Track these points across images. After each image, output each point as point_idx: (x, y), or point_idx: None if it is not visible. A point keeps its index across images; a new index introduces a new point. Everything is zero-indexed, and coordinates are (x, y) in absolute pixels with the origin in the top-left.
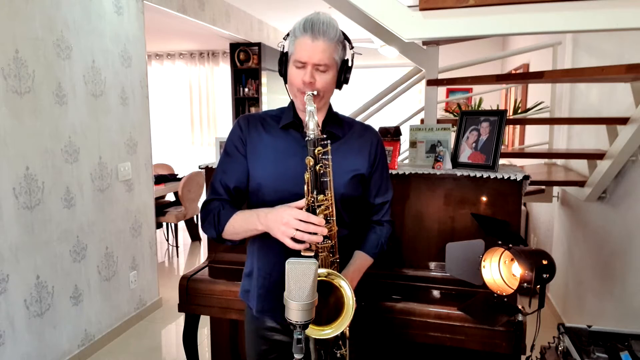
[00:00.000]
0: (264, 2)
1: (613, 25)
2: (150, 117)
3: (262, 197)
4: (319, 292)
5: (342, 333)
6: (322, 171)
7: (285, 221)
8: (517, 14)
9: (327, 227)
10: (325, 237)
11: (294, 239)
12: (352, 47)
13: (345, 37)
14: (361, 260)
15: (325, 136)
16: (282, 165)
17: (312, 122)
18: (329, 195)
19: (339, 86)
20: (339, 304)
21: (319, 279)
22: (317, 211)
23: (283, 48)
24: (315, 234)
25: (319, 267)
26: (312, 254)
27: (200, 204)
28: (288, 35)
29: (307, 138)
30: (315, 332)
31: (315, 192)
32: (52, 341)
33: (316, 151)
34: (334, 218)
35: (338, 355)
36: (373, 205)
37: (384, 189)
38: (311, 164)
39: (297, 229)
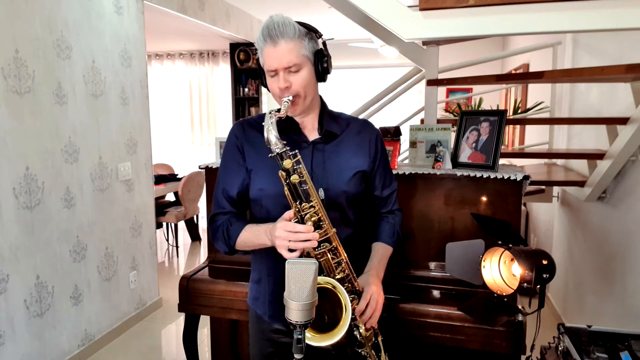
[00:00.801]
0: (264, 2)
1: (613, 25)
2: (150, 117)
3: (264, 202)
4: (323, 299)
5: (360, 333)
6: (298, 181)
7: (277, 235)
8: (517, 14)
9: (320, 232)
10: (321, 241)
11: (290, 250)
12: (320, 36)
13: (310, 29)
14: (382, 251)
15: (289, 147)
16: None
17: (273, 136)
18: (315, 201)
19: (320, 78)
20: (339, 304)
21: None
22: (305, 219)
23: (258, 62)
24: (308, 240)
25: (322, 273)
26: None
27: (200, 204)
28: (256, 50)
29: (270, 154)
30: (324, 340)
31: (298, 202)
32: (52, 341)
33: (285, 164)
34: (327, 221)
35: (362, 353)
36: (382, 198)
37: (389, 180)
38: (284, 177)
39: (289, 240)
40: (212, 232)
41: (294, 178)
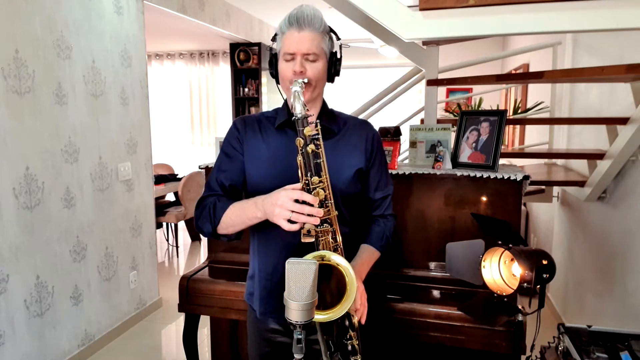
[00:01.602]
0: (264, 2)
1: (613, 25)
2: (150, 117)
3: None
4: (320, 276)
5: (351, 323)
6: (313, 151)
7: (280, 203)
8: (517, 14)
9: (324, 210)
10: (324, 221)
11: (290, 222)
12: (338, 39)
13: (331, 30)
14: (367, 254)
15: (312, 114)
16: (279, 164)
17: (299, 103)
18: (324, 177)
19: (330, 79)
20: (341, 283)
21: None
22: (313, 194)
23: (272, 50)
24: (312, 216)
25: (319, 250)
26: (312, 239)
27: None
28: (276, 35)
29: (294, 117)
30: (323, 317)
31: (309, 175)
32: (52, 341)
33: (305, 131)
34: (332, 201)
35: (349, 347)
36: (374, 200)
37: (384, 183)
38: (301, 144)
39: (292, 211)
40: (198, 212)
41: (310, 147)
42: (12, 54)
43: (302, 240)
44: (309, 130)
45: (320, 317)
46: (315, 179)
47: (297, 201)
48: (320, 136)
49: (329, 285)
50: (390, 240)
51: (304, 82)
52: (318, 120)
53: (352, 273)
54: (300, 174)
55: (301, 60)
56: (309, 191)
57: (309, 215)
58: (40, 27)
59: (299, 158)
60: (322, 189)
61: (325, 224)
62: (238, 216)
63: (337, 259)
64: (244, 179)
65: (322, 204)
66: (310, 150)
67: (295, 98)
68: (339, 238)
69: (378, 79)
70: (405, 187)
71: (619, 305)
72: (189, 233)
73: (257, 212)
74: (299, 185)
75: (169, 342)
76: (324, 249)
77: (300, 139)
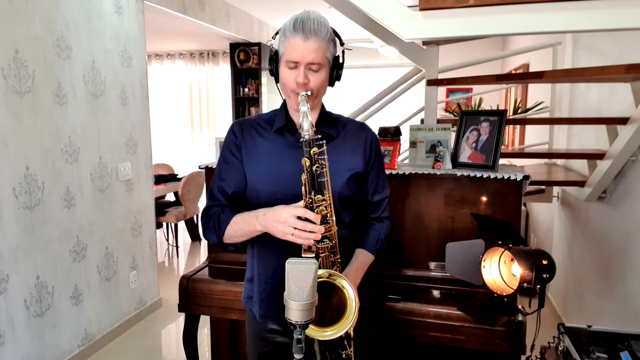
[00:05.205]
0: (264, 2)
1: (613, 25)
2: (150, 117)
3: (259, 200)
4: (321, 293)
5: (347, 333)
6: (318, 171)
7: (283, 220)
8: (517, 14)
9: (325, 227)
10: (324, 237)
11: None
12: (342, 44)
13: (336, 34)
14: (362, 258)
15: (320, 136)
16: (278, 168)
17: (307, 123)
18: (327, 195)
19: (331, 83)
20: (341, 304)
21: (320, 280)
22: (315, 211)
23: (272, 48)
24: (313, 232)
25: (320, 268)
26: (313, 255)
27: (200, 204)
28: (277, 33)
29: (302, 139)
30: (317, 334)
31: (313, 193)
32: (52, 341)
33: (312, 152)
34: (333, 218)
35: (343, 355)
36: (372, 202)
37: (381, 186)
38: (307, 164)
39: (295, 228)
40: (204, 223)
41: (316, 167)
42: (12, 54)
43: (302, 255)
44: (315, 151)
45: (329, 332)
46: (319, 197)
47: (299, 218)
48: (325, 156)
49: (328, 303)
50: (385, 243)
51: (307, 94)
52: (324, 141)
53: (355, 297)
54: (303, 192)
55: (304, 71)
56: (311, 208)
57: (310, 232)
58: (40, 27)
59: (304, 177)
60: (325, 206)
61: (325, 240)
62: (240, 228)
63: (343, 282)
64: (245, 184)
65: (323, 221)
66: (315, 170)
67: (303, 118)
68: (338, 253)
69: (378, 79)
70: (405, 187)
71: (619, 305)
72: (189, 233)
73: (257, 225)
74: (301, 204)
75: (169, 342)
76: (323, 265)
77: (307, 159)
